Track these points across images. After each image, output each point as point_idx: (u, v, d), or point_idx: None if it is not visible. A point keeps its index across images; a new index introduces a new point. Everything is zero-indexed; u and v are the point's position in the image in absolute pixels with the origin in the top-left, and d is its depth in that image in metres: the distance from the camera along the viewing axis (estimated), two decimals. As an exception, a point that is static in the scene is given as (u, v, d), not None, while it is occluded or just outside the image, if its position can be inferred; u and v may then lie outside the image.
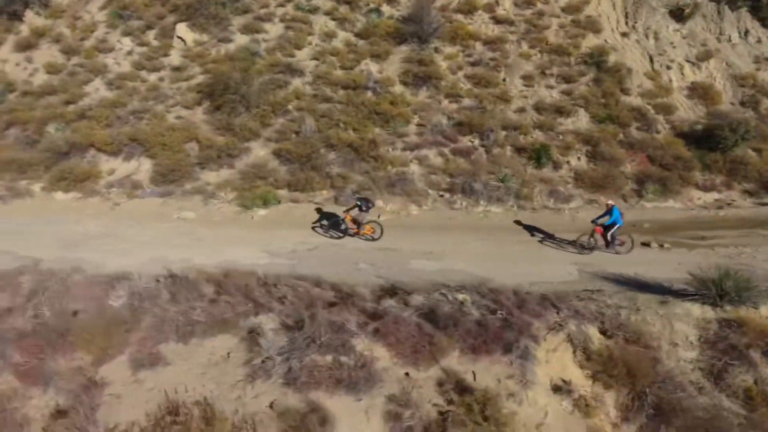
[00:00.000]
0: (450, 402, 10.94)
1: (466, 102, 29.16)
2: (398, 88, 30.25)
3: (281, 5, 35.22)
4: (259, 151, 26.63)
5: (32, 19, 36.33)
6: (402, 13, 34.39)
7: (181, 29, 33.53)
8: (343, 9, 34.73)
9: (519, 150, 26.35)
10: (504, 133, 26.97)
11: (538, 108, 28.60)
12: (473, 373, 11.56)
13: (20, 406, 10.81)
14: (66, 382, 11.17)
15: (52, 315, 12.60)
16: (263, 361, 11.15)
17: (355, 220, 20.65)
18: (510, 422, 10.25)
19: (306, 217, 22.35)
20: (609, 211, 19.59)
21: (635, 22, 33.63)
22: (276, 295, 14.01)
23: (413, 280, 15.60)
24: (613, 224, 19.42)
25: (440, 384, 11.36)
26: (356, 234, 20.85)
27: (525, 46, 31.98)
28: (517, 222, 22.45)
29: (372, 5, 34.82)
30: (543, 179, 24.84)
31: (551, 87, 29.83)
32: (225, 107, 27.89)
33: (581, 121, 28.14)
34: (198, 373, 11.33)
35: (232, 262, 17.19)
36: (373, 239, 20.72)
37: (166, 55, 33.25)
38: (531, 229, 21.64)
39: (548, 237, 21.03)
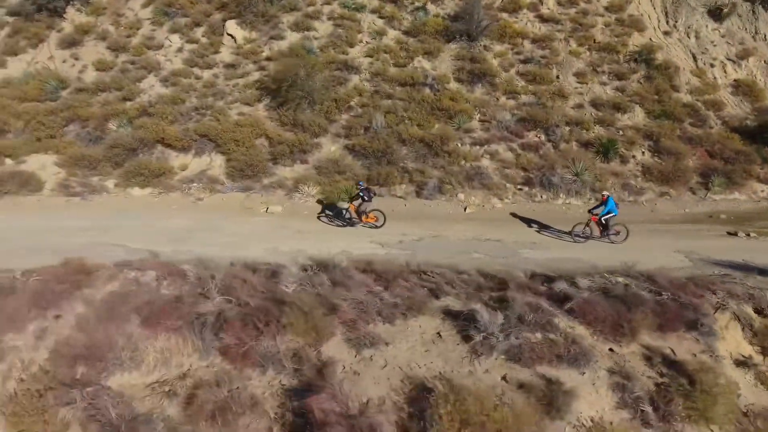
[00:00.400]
0: (662, 374, 11.52)
1: (523, 99, 29.73)
2: (453, 85, 30.74)
3: (327, 3, 35.49)
4: (329, 147, 26.94)
5: (74, 15, 36.08)
6: (447, 12, 34.90)
7: (231, 26, 33.68)
8: (390, 7, 35.06)
9: (584, 145, 26.90)
10: (567, 128, 27.55)
11: (595, 104, 29.31)
12: (671, 348, 12.18)
13: (242, 387, 11.06)
14: (288, 362, 11.44)
15: (242, 300, 12.82)
16: (485, 338, 11.57)
17: (358, 209, 21.52)
18: (727, 393, 10.85)
19: (393, 210, 22.74)
20: (605, 201, 20.38)
21: (676, 22, 34.55)
22: (434, 281, 14.43)
23: (538, 268, 16.07)
24: (608, 213, 20.19)
25: (647, 358, 11.93)
26: (360, 222, 21.69)
27: (574, 44, 32.68)
28: (513, 214, 23.04)
29: (418, 3, 35.20)
30: (613, 173, 25.50)
31: (604, 84, 30.59)
32: (290, 103, 28.07)
33: (637, 117, 28.94)
34: (422, 351, 11.71)
35: (350, 253, 17.43)
36: (376, 227, 21.58)
37: (216, 52, 33.37)
38: (528, 221, 22.28)
39: (544, 228, 21.71)
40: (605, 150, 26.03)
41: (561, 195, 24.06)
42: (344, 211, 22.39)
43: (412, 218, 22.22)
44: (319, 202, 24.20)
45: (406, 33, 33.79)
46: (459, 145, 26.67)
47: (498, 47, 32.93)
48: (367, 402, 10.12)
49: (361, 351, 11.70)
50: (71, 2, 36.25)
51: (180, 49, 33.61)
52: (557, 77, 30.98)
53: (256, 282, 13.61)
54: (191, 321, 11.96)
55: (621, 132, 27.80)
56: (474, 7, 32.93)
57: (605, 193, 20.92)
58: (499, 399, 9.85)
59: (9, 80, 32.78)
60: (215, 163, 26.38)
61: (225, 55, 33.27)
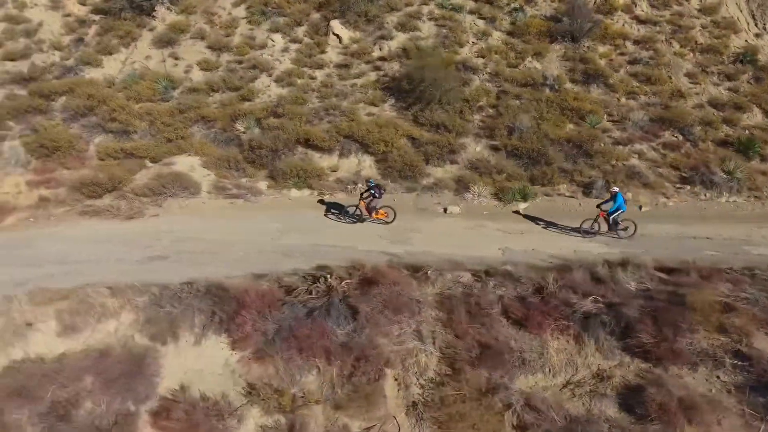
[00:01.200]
0: None
1: (643, 99, 30.18)
2: (569, 86, 31.01)
3: (424, 3, 35.35)
4: (474, 147, 26.92)
5: (164, 14, 35.15)
6: (541, 13, 35.16)
7: (337, 26, 33.30)
8: (488, 8, 35.13)
9: (720, 144, 27.48)
10: (699, 127, 28.11)
11: (713, 104, 29.90)
12: None
13: (676, 384, 11.06)
14: (729, 359, 11.48)
15: (607, 299, 12.83)
16: None
17: (368, 206, 22.09)
18: None
19: (572, 209, 22.92)
20: (613, 197, 21.00)
21: (765, 24, 35.52)
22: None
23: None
24: (617, 209, 20.87)
25: None
26: (370, 218, 22.28)
27: (677, 46, 33.24)
28: (516, 212, 23.51)
29: (514, 5, 35.35)
30: (760, 171, 26.11)
31: (717, 84, 31.24)
32: (421, 103, 27.99)
33: (756, 117, 29.64)
34: None
35: (586, 252, 17.58)
36: (387, 223, 22.20)
37: (323, 52, 32.94)
38: (533, 219, 22.74)
39: (550, 225, 22.24)
40: (745, 148, 26.62)
41: (724, 193, 24.51)
42: (354, 208, 22.74)
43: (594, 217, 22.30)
44: (320, 201, 24.40)
45: (510, 34, 33.84)
46: (602, 144, 26.87)
47: (601, 48, 33.26)
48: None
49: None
50: (161, 1, 35.19)
51: (286, 49, 33.04)
52: (669, 78, 31.46)
53: (581, 280, 13.59)
54: (578, 320, 11.87)
55: (747, 131, 28.40)
56: (578, 8, 33.25)
57: (614, 189, 21.40)
58: None
59: (110, 80, 31.84)
60: (365, 164, 26.08)
61: (332, 55, 32.88)
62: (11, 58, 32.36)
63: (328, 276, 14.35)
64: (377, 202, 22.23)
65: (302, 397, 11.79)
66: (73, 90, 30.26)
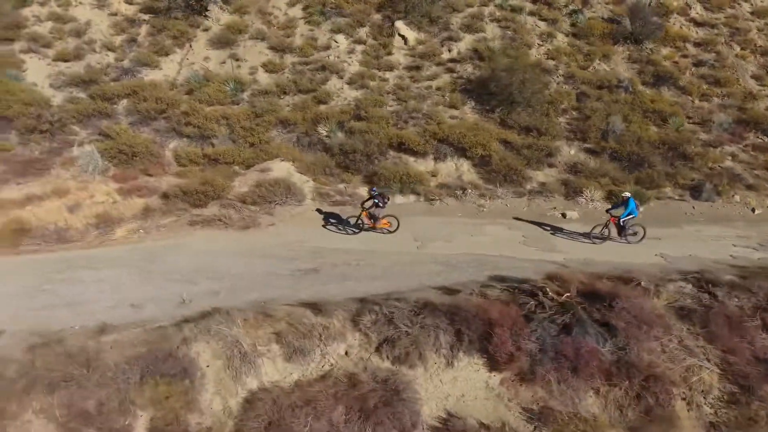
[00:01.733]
0: None
1: (716, 101, 30.25)
2: (640, 88, 30.89)
3: (484, 5, 34.83)
4: (568, 150, 26.56)
5: (218, 14, 33.87)
6: (598, 15, 35.02)
7: (402, 27, 32.58)
8: (547, 10, 34.82)
9: (805, 145, 27.65)
10: (779, 130, 28.29)
11: (786, 106, 30.11)
12: None
13: None
14: None
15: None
16: None
17: (371, 215, 21.25)
18: None
19: (687, 213, 22.77)
20: (625, 202, 20.88)
21: (814, 29, 36.01)
22: None
23: None
24: (628, 215, 20.76)
25: None
26: (372, 228, 21.39)
27: (737, 48, 33.46)
28: (517, 218, 22.97)
29: (572, 6, 35.14)
30: None
31: (784, 86, 31.50)
32: (507, 106, 27.52)
33: (829, 119, 29.90)
34: None
35: (743, 257, 17.50)
36: (390, 232, 21.36)
37: (389, 53, 32.14)
38: (538, 224, 22.41)
39: (557, 230, 22.06)
40: (834, 149, 26.82)
41: (823, 196, 24.62)
42: (356, 219, 21.72)
43: (713, 221, 22.14)
44: (318, 210, 23.34)
45: (573, 36, 33.58)
46: (693, 147, 26.77)
47: (663, 50, 33.25)
48: None
49: None
50: (214, 0, 33.91)
51: (351, 51, 32.16)
52: (737, 80, 31.60)
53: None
54: None
55: (823, 134, 28.65)
56: (647, 11, 33.23)
57: (626, 194, 21.27)
58: None
59: (171, 82, 30.46)
60: (462, 168, 25.47)
61: (399, 56, 32.13)
62: (65, 58, 30.75)
63: (546, 289, 13.67)
64: (380, 212, 21.06)
65: (595, 420, 11.12)
66: (136, 93, 28.91)
